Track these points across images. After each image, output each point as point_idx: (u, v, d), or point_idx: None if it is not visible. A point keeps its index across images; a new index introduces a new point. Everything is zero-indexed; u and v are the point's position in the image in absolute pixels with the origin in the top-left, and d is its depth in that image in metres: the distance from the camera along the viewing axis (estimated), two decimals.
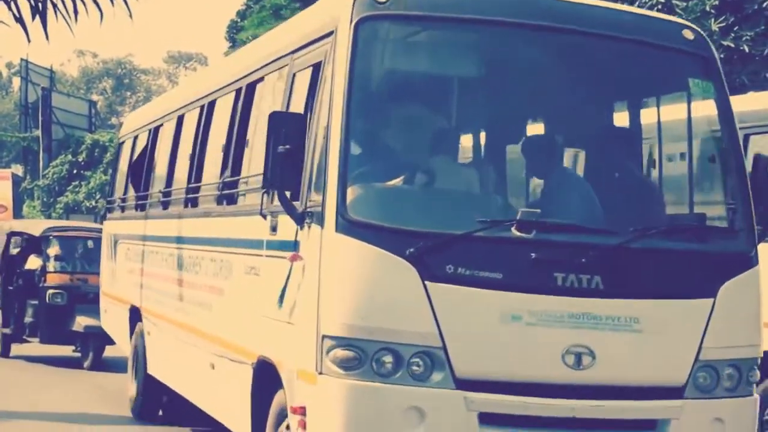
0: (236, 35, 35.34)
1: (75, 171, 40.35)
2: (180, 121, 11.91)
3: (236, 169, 9.40)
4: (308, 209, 7.27)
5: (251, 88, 9.34)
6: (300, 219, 7.31)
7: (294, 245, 7.46)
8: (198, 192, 10.70)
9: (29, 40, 19.10)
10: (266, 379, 8.05)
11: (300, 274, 7.33)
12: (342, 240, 6.90)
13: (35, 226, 19.76)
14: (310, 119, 7.48)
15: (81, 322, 17.41)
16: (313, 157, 7.35)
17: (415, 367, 6.82)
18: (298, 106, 7.81)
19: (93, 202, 38.98)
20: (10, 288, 18.96)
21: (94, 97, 73.80)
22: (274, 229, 7.98)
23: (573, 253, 6.98)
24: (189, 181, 10.89)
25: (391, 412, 6.78)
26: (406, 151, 7.63)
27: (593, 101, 8.17)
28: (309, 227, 7.25)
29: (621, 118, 8.46)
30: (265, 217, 8.13)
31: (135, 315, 13.12)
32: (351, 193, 6.97)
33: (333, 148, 7.04)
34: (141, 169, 13.41)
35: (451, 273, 6.84)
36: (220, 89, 10.36)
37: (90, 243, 17.96)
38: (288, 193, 7.34)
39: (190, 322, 10.41)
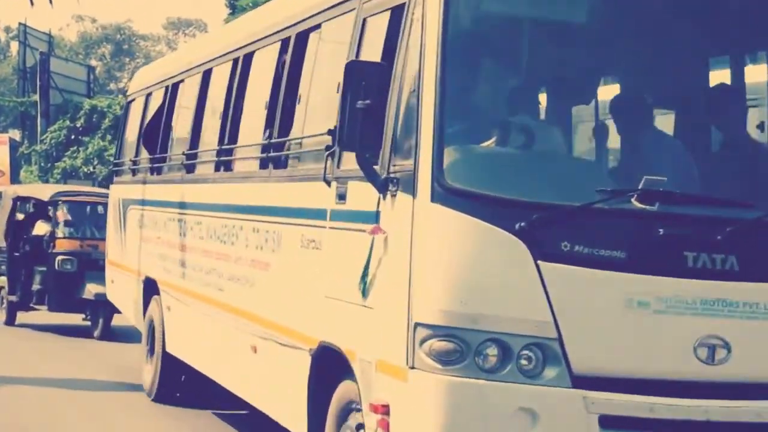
0: (236, 2, 34.31)
1: (73, 136, 39.67)
2: (207, 75, 10.82)
3: (285, 129, 8.35)
4: (392, 175, 6.25)
5: (302, 37, 8.28)
6: (383, 186, 6.29)
7: (372, 216, 6.43)
8: (233, 154, 9.64)
9: (32, 3, 18.01)
10: (328, 368, 7.09)
11: (382, 250, 6.31)
12: (439, 211, 5.88)
13: (43, 190, 19.05)
14: (391, 70, 6.43)
15: (91, 289, 16.81)
16: (398, 115, 6.32)
17: (525, 362, 5.82)
18: (370, 57, 6.77)
19: (91, 168, 38.22)
20: (17, 254, 18.29)
21: (93, 63, 72.72)
22: (341, 197, 6.95)
23: (705, 228, 5.97)
24: (221, 142, 9.83)
25: (498, 414, 5.78)
26: (509, 109, 6.59)
27: (698, 55, 7.14)
28: (394, 196, 6.22)
29: (722, 76, 7.43)
30: (329, 183, 7.11)
31: (150, 287, 12.08)
32: (449, 156, 5.95)
33: (426, 103, 6.01)
34: (157, 129, 12.32)
35: (566, 251, 5.83)
36: (260, 40, 9.29)
37: (100, 208, 17.20)
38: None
39: (224, 299, 9.37)
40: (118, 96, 47.56)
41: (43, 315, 18.17)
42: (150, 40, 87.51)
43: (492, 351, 5.79)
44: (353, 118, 6.19)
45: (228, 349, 9.37)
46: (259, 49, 9.35)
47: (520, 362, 5.80)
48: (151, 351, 12.04)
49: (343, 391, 6.94)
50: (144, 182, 12.82)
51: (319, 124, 7.70)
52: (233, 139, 9.63)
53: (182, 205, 10.96)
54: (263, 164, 8.67)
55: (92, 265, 16.71)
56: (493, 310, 5.80)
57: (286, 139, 8.29)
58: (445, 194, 5.86)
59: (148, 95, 13.44)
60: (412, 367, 5.90)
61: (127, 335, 15.83)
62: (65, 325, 17.99)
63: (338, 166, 7.03)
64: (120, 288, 13.95)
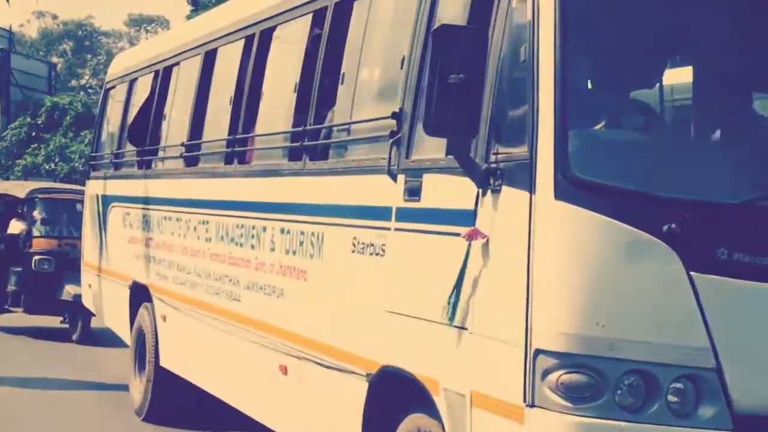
0: None
1: (34, 134, 38.65)
2: (211, 56, 9.57)
3: (321, 114, 7.16)
4: (494, 165, 5.08)
5: (344, 6, 7.07)
6: (483, 179, 5.11)
7: (462, 216, 5.25)
8: (249, 144, 8.42)
9: None
10: (392, 397, 5.93)
11: (482, 258, 5.13)
12: (566, 211, 4.72)
13: (18, 187, 18.13)
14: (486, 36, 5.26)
15: (70, 290, 15.86)
16: (500, 91, 5.15)
17: (675, 398, 4.67)
18: (448, 19, 5.59)
19: (52, 165, 36.99)
20: None
21: (54, 60, 71.06)
22: (413, 192, 5.77)
23: None
24: (233, 131, 8.60)
25: None
26: (639, 86, 5.42)
27: None
28: (497, 191, 5.05)
29: None
30: (394, 176, 5.93)
31: (140, 294, 10.83)
32: (575, 142, 4.78)
33: (545, 78, 4.85)
34: (146, 117, 11.06)
35: (724, 260, 4.70)
36: (285, 12, 8.06)
37: (78, 206, 16.10)
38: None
39: (241, 310, 8.15)
40: (80, 93, 46.28)
41: (19, 317, 17.21)
42: (112, 36, 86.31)
43: (636, 385, 4.63)
44: (444, 96, 5.03)
45: (247, 368, 8.15)
46: (283, 23, 8.13)
47: (669, 399, 4.65)
48: (141, 365, 10.78)
49: (412, 425, 5.78)
50: (130, 177, 11.55)
51: (372, 107, 6.54)
52: (248, 127, 8.41)
53: (182, 203, 9.71)
54: (294, 155, 7.46)
55: (71, 265, 15.69)
56: (637, 335, 4.64)
57: (326, 125, 7.09)
58: (573, 190, 4.70)
59: (133, 81, 12.16)
60: (531, 405, 4.73)
61: (108, 339, 14.68)
62: (42, 327, 17.05)
63: (407, 156, 5.86)
64: (100, 293, 12.66)
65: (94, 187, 13.13)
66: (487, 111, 5.16)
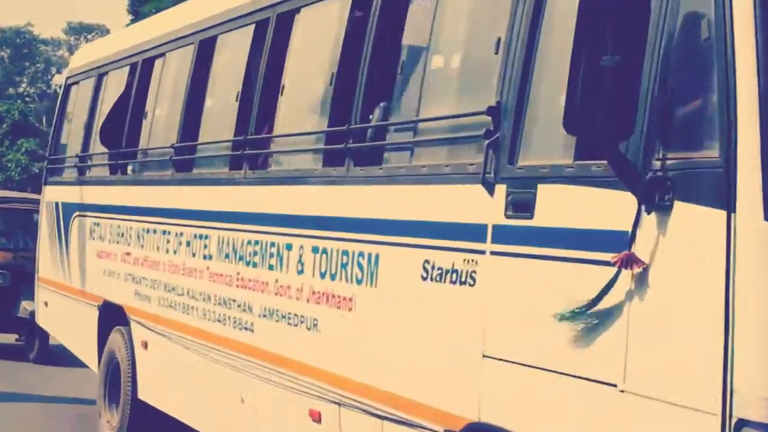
0: (139, 8, 32.42)
1: None
2: (208, 46, 8.30)
3: (368, 110, 5.96)
4: (661, 174, 3.90)
5: None
6: (646, 191, 3.92)
7: (610, 239, 4.07)
8: (266, 146, 7.19)
9: None
10: None
11: (637, 292, 3.94)
12: None
13: None
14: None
15: (27, 306, 14.92)
16: (665, 77, 3.97)
17: None
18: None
19: None
20: None
21: None
22: (520, 207, 4.59)
23: None
24: (241, 130, 7.35)
25: None
26: None
27: None
28: (665, 208, 3.87)
29: None
30: (490, 186, 4.73)
31: (112, 315, 9.55)
32: None
33: (743, 58, 3.67)
34: (121, 116, 9.76)
35: None
36: None
37: (36, 216, 14.66)
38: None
39: (257, 343, 6.90)
40: (17, 101, 44.73)
41: None
42: (51, 44, 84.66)
43: None
44: (593, 84, 3.85)
45: (264, 411, 6.88)
46: (307, 5, 6.90)
47: None
48: (113, 396, 9.49)
49: None
50: (101, 183, 10.26)
51: (447, 101, 5.37)
52: (263, 125, 7.17)
53: (171, 213, 8.44)
54: (331, 159, 6.24)
55: (27, 280, 14.40)
56: None
57: (377, 123, 5.88)
58: None
59: (102, 76, 10.84)
60: None
61: (68, 358, 13.42)
62: None
63: (510, 161, 4.67)
64: (60, 313, 11.33)
65: (52, 194, 11.78)
66: (647, 102, 3.99)
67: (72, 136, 11.51)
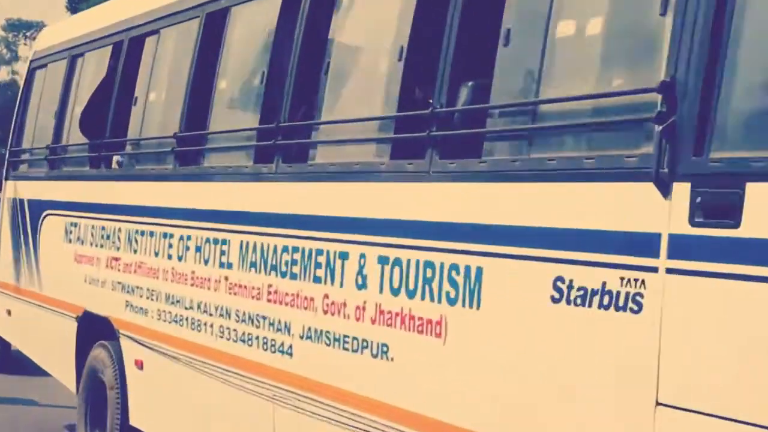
0: (78, 5, 31.29)
1: None
2: (217, 19, 7.14)
3: (454, 90, 4.86)
4: None
5: None
6: None
7: None
8: (304, 135, 6.06)
9: None
10: None
11: None
12: None
13: None
14: None
15: None
16: None
17: None
18: None
19: None
20: None
21: None
22: (717, 212, 3.50)
23: None
24: (268, 117, 6.23)
25: None
26: None
27: None
28: None
29: None
30: (665, 185, 3.66)
31: (94, 328, 8.37)
32: None
33: None
34: (105, 103, 8.58)
35: None
36: None
37: None
38: None
39: (299, 371, 5.77)
40: None
41: None
42: None
43: None
44: None
45: None
46: None
47: None
48: (96, 421, 8.33)
49: None
50: (79, 178, 9.07)
51: (572, 78, 4.30)
52: (296, 109, 6.05)
53: (174, 213, 7.28)
54: (405, 150, 5.13)
55: None
56: None
57: (469, 106, 4.78)
58: None
59: (76, 57, 9.64)
60: None
61: (32, 365, 12.02)
62: None
63: (698, 153, 3.59)
64: (26, 323, 10.12)
65: (15, 190, 10.55)
66: None
67: (39, 126, 10.27)
